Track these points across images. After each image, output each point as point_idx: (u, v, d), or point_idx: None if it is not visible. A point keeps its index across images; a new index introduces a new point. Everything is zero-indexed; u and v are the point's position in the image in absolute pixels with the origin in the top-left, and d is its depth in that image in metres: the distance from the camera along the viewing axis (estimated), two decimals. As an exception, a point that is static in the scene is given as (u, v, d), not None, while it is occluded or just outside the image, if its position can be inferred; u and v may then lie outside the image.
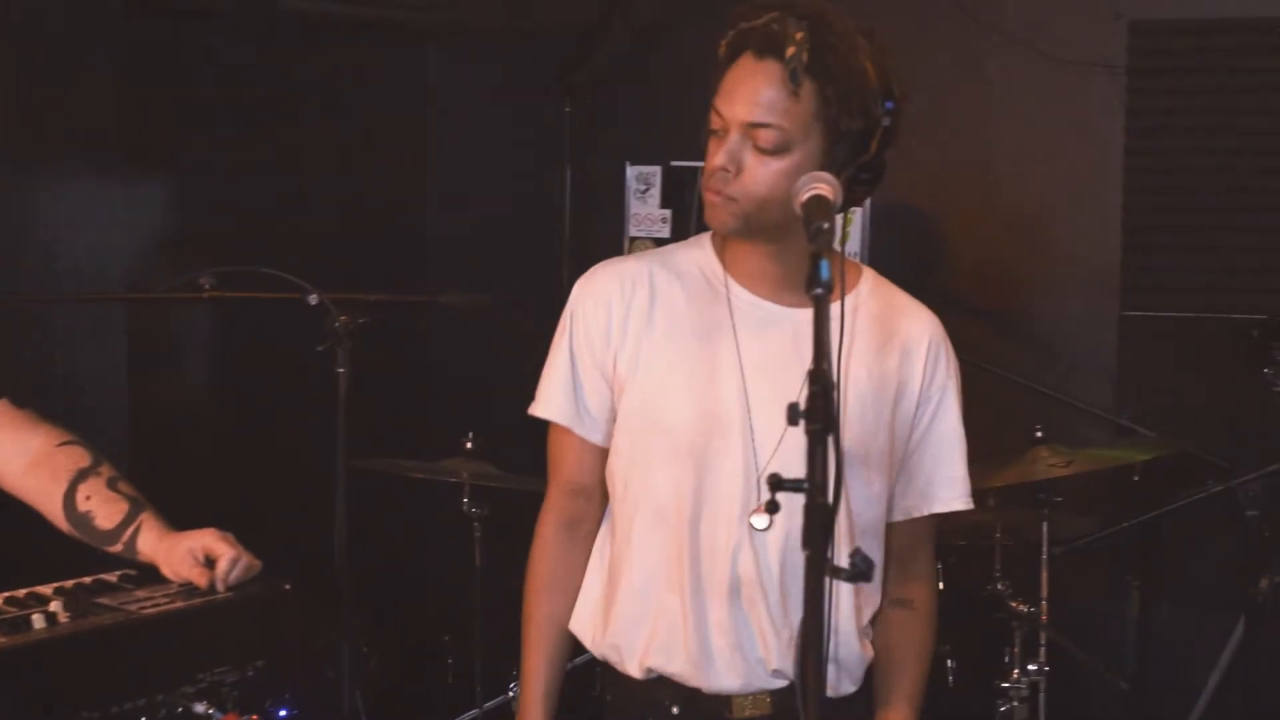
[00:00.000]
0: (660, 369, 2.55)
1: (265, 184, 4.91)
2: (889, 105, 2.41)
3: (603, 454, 2.64)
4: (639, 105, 5.39)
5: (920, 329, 2.61)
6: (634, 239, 5.38)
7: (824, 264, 2.09)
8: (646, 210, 5.36)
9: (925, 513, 2.64)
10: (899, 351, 2.58)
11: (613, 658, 2.63)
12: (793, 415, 2.03)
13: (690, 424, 2.51)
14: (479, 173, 5.59)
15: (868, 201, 5.13)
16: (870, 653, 2.65)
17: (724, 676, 2.53)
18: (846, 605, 2.57)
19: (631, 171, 5.37)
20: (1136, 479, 4.55)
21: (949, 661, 4.26)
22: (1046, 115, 5.02)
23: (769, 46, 2.38)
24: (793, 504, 2.31)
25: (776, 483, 2.08)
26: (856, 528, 2.54)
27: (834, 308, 2.44)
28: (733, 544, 2.50)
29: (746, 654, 2.52)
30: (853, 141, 2.41)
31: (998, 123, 5.07)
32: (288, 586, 2.63)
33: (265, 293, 4.02)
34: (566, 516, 2.70)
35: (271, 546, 2.78)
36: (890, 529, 2.65)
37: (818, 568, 1.98)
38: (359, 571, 4.06)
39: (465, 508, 4.28)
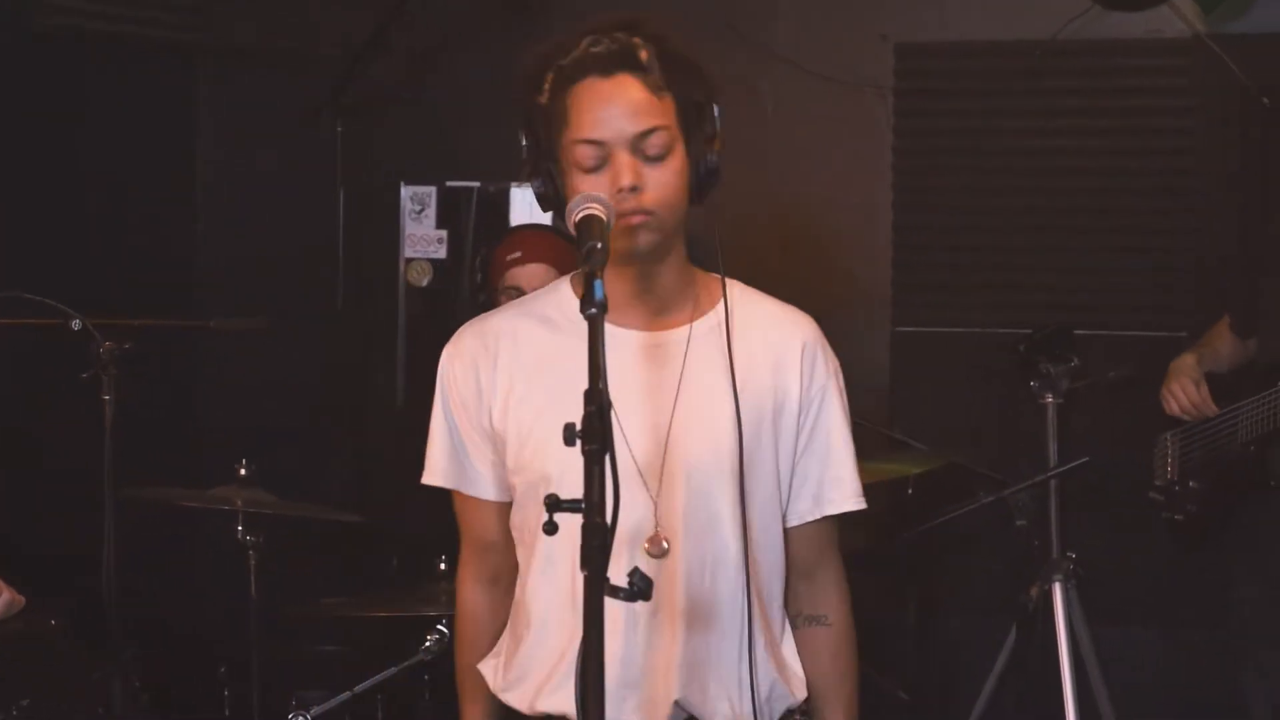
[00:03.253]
0: (530, 417, 2.50)
1: (26, 205, 4.76)
2: (717, 111, 2.46)
3: (503, 508, 2.59)
4: (413, 125, 5.34)
5: (790, 335, 2.57)
6: (410, 260, 5.32)
7: (597, 284, 2.10)
8: (422, 231, 5.31)
9: (818, 516, 2.57)
10: (771, 362, 2.54)
11: (510, 699, 2.56)
12: (569, 435, 2.03)
13: (539, 457, 2.47)
14: (250, 193, 5.48)
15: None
16: (789, 686, 2.56)
17: (622, 711, 2.44)
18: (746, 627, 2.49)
19: (406, 192, 5.31)
20: (911, 491, 4.63)
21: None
22: (819, 135, 5.10)
23: (617, 63, 2.37)
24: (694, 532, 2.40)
25: (554, 503, 2.08)
26: (756, 545, 2.48)
27: (702, 329, 2.50)
28: (576, 572, 2.36)
29: (639, 688, 2.45)
30: (701, 145, 2.45)
31: (771, 142, 5.13)
32: (54, 622, 2.55)
33: (25, 319, 3.89)
34: (483, 573, 2.66)
35: (37, 581, 2.69)
36: (789, 540, 2.58)
37: (596, 588, 1.98)
38: (130, 604, 3.95)
39: (240, 536, 4.19)
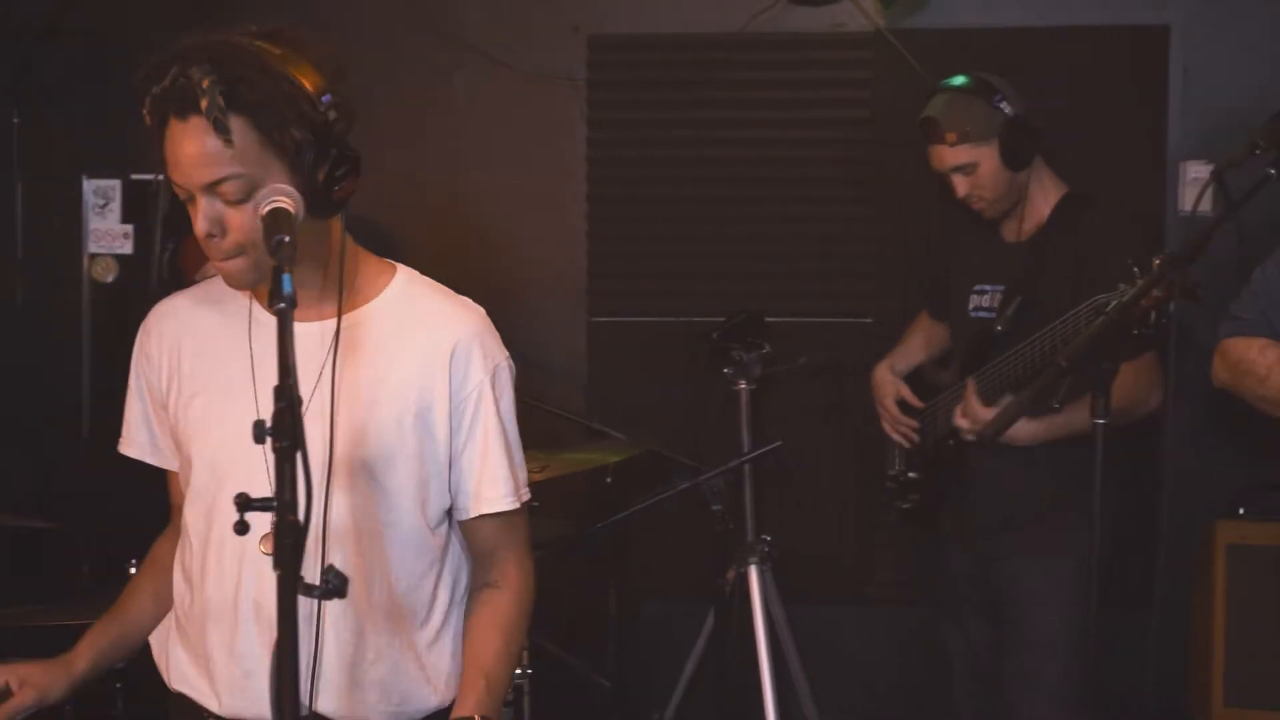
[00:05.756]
0: (188, 397, 2.54)
1: None
2: (325, 99, 2.33)
3: None
4: (94, 116, 5.16)
5: (443, 334, 2.54)
6: (94, 255, 5.16)
7: (286, 278, 2.08)
8: (107, 225, 5.14)
9: (476, 514, 2.61)
10: (418, 361, 2.52)
11: (161, 668, 2.62)
12: (259, 433, 2.00)
13: (208, 449, 2.50)
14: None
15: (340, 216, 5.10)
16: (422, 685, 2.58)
17: (235, 702, 2.48)
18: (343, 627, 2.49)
19: (89, 185, 5.14)
20: (609, 480, 4.67)
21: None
22: (513, 126, 5.10)
23: (185, 105, 2.28)
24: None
25: (244, 502, 2.05)
26: (390, 538, 2.50)
27: (350, 322, 2.47)
28: (244, 570, 2.45)
29: (254, 681, 2.45)
30: (310, 146, 2.32)
31: (465, 134, 5.11)
32: None
33: None
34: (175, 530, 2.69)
35: None
36: (465, 534, 2.66)
37: (290, 587, 1.95)
38: None
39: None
